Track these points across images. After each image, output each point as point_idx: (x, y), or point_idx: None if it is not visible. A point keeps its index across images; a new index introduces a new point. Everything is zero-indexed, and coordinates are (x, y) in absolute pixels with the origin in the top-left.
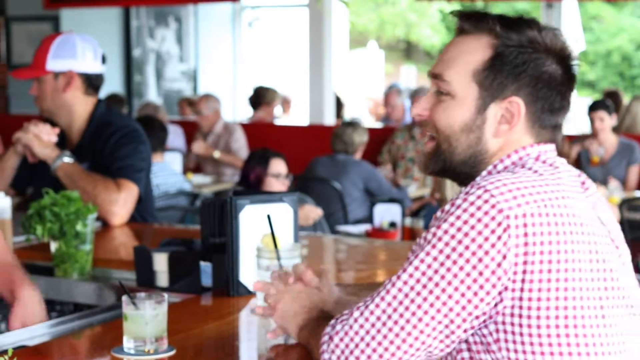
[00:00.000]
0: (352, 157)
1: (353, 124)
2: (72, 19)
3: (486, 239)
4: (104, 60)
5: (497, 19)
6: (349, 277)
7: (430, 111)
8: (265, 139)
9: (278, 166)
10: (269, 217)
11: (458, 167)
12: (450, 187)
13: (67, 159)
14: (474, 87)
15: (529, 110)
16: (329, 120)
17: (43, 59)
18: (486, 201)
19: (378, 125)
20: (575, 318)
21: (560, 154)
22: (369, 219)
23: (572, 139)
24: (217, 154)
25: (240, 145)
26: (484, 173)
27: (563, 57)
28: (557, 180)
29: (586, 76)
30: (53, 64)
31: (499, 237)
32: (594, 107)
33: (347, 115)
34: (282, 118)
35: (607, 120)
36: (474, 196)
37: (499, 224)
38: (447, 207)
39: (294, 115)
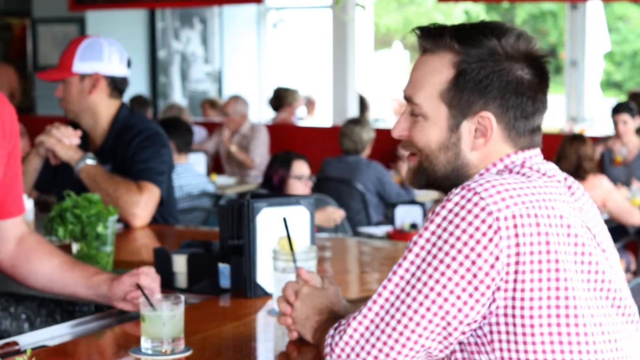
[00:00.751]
0: (363, 158)
1: (359, 122)
2: (97, 21)
3: (478, 241)
4: (129, 64)
5: (454, 35)
6: (373, 279)
7: (409, 131)
8: (288, 140)
9: (301, 168)
10: (285, 219)
11: (442, 182)
12: None
13: (90, 161)
14: (443, 108)
15: (502, 120)
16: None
17: (70, 61)
18: (476, 204)
19: None
20: (568, 317)
21: (584, 154)
22: (386, 221)
23: (596, 140)
24: (233, 148)
25: (258, 145)
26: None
27: (529, 59)
28: (545, 184)
29: (612, 77)
30: (79, 66)
31: (491, 239)
32: (617, 110)
33: (372, 116)
34: (306, 119)
35: (631, 123)
36: (464, 199)
37: (490, 227)
38: (437, 208)
39: (318, 116)
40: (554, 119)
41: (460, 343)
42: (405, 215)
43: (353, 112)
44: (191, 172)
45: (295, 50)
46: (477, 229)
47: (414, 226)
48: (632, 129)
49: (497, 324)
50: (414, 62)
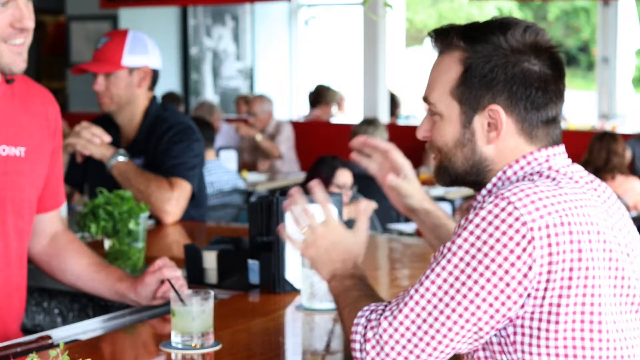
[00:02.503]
0: None
1: (373, 122)
2: (130, 18)
3: (512, 251)
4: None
5: (461, 34)
6: (403, 275)
7: (430, 132)
8: (320, 137)
9: (344, 177)
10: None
11: (464, 178)
12: None
13: (122, 158)
14: (455, 105)
15: (512, 112)
16: (384, 118)
17: (119, 55)
18: (510, 213)
19: None
20: (592, 323)
21: (614, 151)
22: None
23: (628, 138)
24: (259, 137)
25: (283, 141)
26: (494, 179)
27: (538, 51)
28: (574, 189)
29: None
30: (129, 59)
31: (524, 249)
32: None
33: (403, 112)
34: (336, 116)
35: None
36: (497, 208)
37: (524, 237)
38: (470, 216)
39: (348, 113)
40: (586, 115)
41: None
42: None
43: (384, 109)
44: (222, 169)
45: (327, 47)
46: (510, 238)
47: None
48: None
49: (522, 326)
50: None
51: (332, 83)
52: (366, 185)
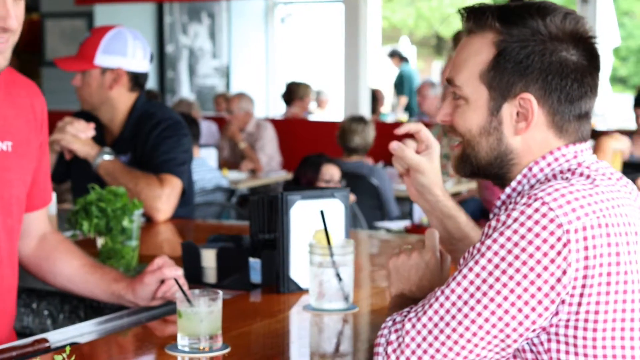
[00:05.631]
0: (363, 162)
1: (362, 119)
2: (105, 15)
3: (545, 254)
4: (151, 58)
5: (497, 14)
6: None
7: (451, 116)
8: (300, 134)
9: (330, 171)
10: (322, 212)
11: (486, 169)
12: None
13: (107, 157)
14: (483, 90)
15: (545, 103)
16: (366, 115)
17: (92, 52)
18: (544, 215)
19: (411, 121)
20: (633, 330)
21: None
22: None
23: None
24: (242, 145)
25: (265, 144)
26: (519, 177)
27: (576, 40)
28: (609, 187)
29: (618, 72)
30: (102, 59)
31: (559, 252)
32: (639, 104)
33: (385, 110)
34: (317, 114)
35: None
36: (531, 209)
37: (559, 239)
38: (502, 217)
39: (329, 110)
40: None
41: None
42: None
43: (365, 106)
44: (205, 167)
45: (304, 45)
46: (544, 241)
47: None
48: None
49: (557, 334)
50: (460, 45)
51: (310, 81)
52: (353, 183)
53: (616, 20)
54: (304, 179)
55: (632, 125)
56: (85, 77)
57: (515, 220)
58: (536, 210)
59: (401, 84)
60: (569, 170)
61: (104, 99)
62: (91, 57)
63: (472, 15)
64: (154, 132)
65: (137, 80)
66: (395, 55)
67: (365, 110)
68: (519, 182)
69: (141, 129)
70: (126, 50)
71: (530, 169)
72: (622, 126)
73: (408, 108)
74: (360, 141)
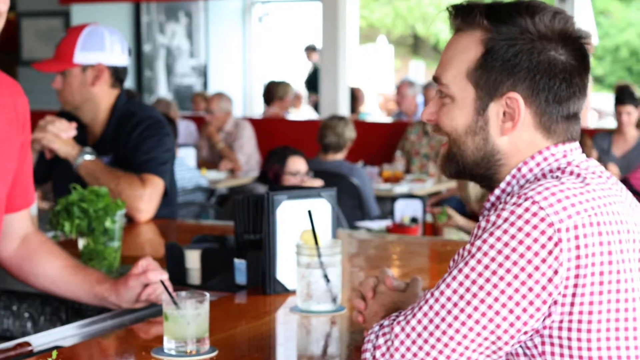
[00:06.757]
0: (343, 162)
1: (343, 119)
2: (82, 15)
3: (536, 254)
4: (129, 52)
5: (485, 12)
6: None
7: (437, 115)
8: (278, 134)
9: (296, 164)
10: (310, 213)
11: (472, 170)
12: (473, 187)
13: (88, 157)
14: (470, 88)
15: (532, 103)
16: (345, 115)
17: (70, 52)
18: (535, 214)
19: (389, 120)
20: (627, 330)
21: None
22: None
23: (592, 134)
24: (221, 144)
25: (243, 143)
26: (508, 178)
27: (565, 39)
28: (600, 185)
29: (594, 71)
30: (81, 56)
31: (550, 252)
32: (621, 101)
33: (366, 110)
34: (292, 113)
35: (634, 115)
36: (521, 208)
37: (550, 238)
38: (492, 217)
39: (304, 110)
40: None
41: (507, 353)
42: (405, 209)
43: (344, 105)
44: (184, 166)
45: (281, 44)
46: (535, 240)
47: (414, 220)
48: (635, 120)
49: (551, 336)
50: (447, 42)
51: (287, 80)
52: (333, 183)
53: (594, 19)
54: (271, 173)
55: (611, 124)
56: (66, 77)
57: (506, 220)
58: (527, 209)
59: (315, 80)
60: (558, 169)
61: (87, 97)
62: (70, 56)
63: (461, 13)
64: (135, 132)
65: (117, 75)
66: (310, 49)
67: (344, 109)
68: (508, 183)
69: (122, 129)
70: (104, 46)
71: (519, 170)
72: (599, 125)
73: (316, 107)
74: (334, 138)
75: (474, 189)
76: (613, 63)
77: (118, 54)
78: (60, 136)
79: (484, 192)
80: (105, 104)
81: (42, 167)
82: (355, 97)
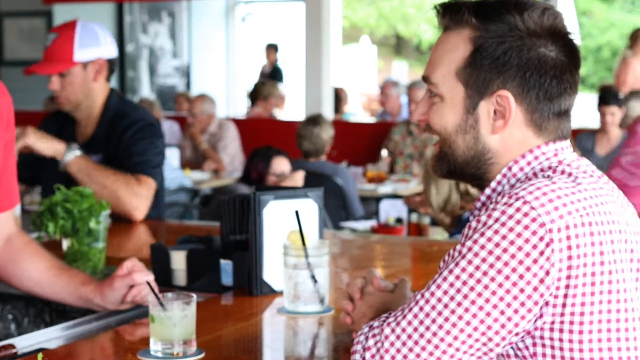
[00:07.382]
0: (326, 162)
1: (315, 120)
2: (65, 15)
3: (527, 254)
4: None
5: (473, 10)
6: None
7: (427, 115)
8: (262, 134)
9: (280, 164)
10: (297, 213)
11: (463, 169)
12: (435, 193)
13: (78, 153)
14: (459, 87)
15: (523, 101)
16: (328, 115)
17: (69, 51)
18: (526, 214)
19: (372, 120)
20: (619, 331)
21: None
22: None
23: (575, 134)
24: (204, 145)
25: (227, 144)
26: (498, 177)
27: (555, 36)
28: (592, 184)
29: None
30: (81, 54)
31: (542, 252)
32: (605, 102)
33: (349, 109)
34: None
35: (618, 115)
36: (512, 208)
37: (541, 239)
38: (483, 217)
39: (288, 110)
40: None
41: (498, 354)
42: (389, 209)
43: (328, 105)
44: (168, 167)
45: (264, 44)
46: (527, 241)
47: (399, 220)
48: (618, 121)
49: (542, 338)
50: (435, 41)
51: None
52: (317, 183)
53: (577, 20)
54: (254, 173)
55: (594, 124)
56: (67, 77)
57: (497, 220)
58: (518, 209)
59: (278, 80)
60: (549, 168)
61: (88, 93)
62: (69, 56)
63: (448, 11)
64: (127, 133)
65: (112, 68)
66: (271, 47)
67: (327, 109)
68: (499, 182)
69: (114, 129)
70: (99, 40)
71: (509, 169)
72: (581, 125)
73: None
74: (310, 145)
75: (436, 197)
76: (595, 63)
77: (111, 47)
78: (44, 135)
79: (446, 201)
80: (100, 100)
81: (32, 167)
82: (338, 97)
